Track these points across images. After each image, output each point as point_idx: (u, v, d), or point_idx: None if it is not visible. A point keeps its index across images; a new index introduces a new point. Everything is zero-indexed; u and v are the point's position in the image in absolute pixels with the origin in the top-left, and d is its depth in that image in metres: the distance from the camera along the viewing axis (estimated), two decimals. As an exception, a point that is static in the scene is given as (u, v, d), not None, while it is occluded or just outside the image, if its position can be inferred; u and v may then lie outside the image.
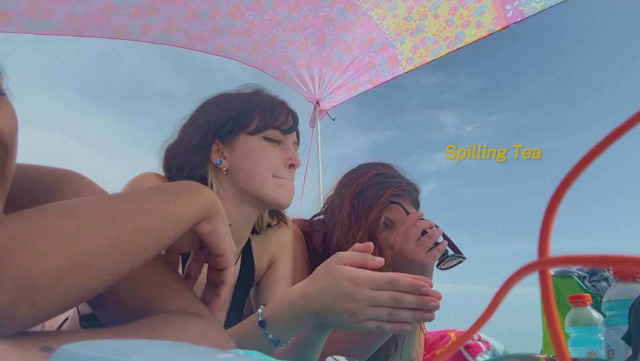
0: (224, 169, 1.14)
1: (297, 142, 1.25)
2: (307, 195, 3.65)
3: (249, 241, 1.27)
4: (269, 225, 1.30)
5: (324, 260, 0.88)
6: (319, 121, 3.57)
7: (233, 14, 2.28)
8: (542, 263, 0.27)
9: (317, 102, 3.53)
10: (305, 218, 1.53)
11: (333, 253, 1.33)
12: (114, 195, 0.58)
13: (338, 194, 1.39)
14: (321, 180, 3.59)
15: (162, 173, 1.19)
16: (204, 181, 1.12)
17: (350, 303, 0.80)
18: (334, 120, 3.65)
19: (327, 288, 0.82)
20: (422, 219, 1.22)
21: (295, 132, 1.22)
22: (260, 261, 1.29)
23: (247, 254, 1.27)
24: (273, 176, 1.14)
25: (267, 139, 1.15)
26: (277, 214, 1.32)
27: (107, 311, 0.66)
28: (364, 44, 3.12)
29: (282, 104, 1.21)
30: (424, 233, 1.18)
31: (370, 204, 1.30)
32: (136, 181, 1.10)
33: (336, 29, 2.92)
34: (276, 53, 2.86)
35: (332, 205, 1.39)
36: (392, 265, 1.20)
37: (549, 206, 0.27)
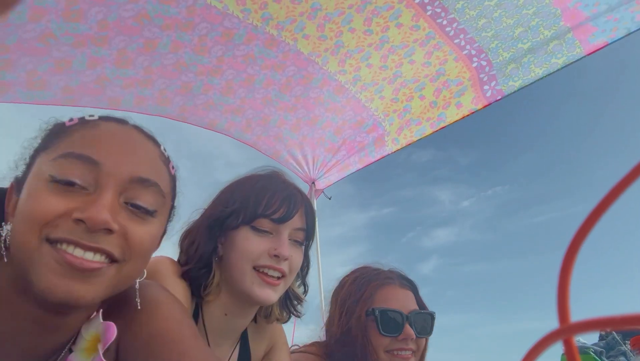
0: (217, 256, 1.08)
1: (302, 229, 1.11)
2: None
3: (245, 330, 1.19)
4: (277, 320, 1.21)
5: None
6: (315, 201, 3.47)
7: (225, 90, 2.29)
8: (565, 331, 0.24)
9: (313, 182, 3.46)
10: (315, 342, 1.46)
11: None
12: None
13: (330, 315, 1.39)
14: (320, 260, 3.41)
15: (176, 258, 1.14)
16: (210, 267, 1.06)
17: None
18: (330, 199, 3.55)
19: None
20: None
21: (296, 220, 1.09)
22: (256, 348, 1.21)
23: (243, 343, 1.18)
24: (253, 267, 1.03)
25: (254, 228, 1.05)
26: (290, 309, 1.21)
27: None
28: (354, 125, 3.13)
29: (281, 192, 1.09)
30: None
31: (354, 304, 1.28)
32: (151, 266, 1.02)
33: (327, 111, 2.94)
34: (269, 132, 2.84)
35: (328, 327, 1.38)
36: None
37: (562, 270, 0.25)
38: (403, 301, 1.29)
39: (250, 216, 1.05)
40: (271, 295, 1.04)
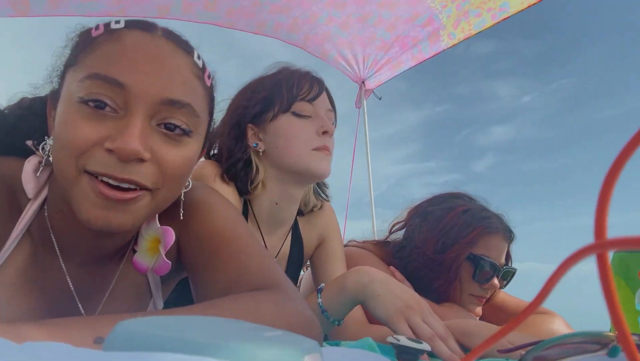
0: (261, 150, 1.12)
1: (332, 110, 1.19)
2: (357, 176, 3.48)
3: (296, 221, 1.27)
4: (314, 208, 1.29)
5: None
6: (365, 101, 3.39)
7: (271, -12, 2.13)
8: (598, 246, 0.24)
9: (363, 82, 3.34)
10: (374, 241, 1.48)
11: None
12: None
13: (419, 228, 1.36)
14: (370, 161, 3.41)
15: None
16: (250, 164, 1.12)
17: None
18: (380, 99, 3.45)
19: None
20: None
21: (325, 99, 1.17)
22: (308, 238, 1.29)
23: (295, 232, 1.27)
24: (312, 149, 1.10)
25: (295, 114, 1.12)
26: (321, 194, 1.32)
27: (197, 300, 0.69)
28: (408, 20, 2.89)
29: (305, 75, 1.17)
30: None
31: (456, 242, 1.29)
32: (197, 172, 1.09)
33: (379, 7, 2.71)
34: (317, 31, 2.69)
35: (410, 238, 1.37)
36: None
37: (604, 183, 0.24)
38: (499, 253, 1.33)
39: (287, 103, 1.11)
40: (328, 167, 1.13)
